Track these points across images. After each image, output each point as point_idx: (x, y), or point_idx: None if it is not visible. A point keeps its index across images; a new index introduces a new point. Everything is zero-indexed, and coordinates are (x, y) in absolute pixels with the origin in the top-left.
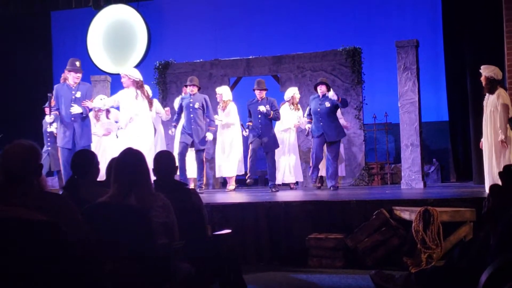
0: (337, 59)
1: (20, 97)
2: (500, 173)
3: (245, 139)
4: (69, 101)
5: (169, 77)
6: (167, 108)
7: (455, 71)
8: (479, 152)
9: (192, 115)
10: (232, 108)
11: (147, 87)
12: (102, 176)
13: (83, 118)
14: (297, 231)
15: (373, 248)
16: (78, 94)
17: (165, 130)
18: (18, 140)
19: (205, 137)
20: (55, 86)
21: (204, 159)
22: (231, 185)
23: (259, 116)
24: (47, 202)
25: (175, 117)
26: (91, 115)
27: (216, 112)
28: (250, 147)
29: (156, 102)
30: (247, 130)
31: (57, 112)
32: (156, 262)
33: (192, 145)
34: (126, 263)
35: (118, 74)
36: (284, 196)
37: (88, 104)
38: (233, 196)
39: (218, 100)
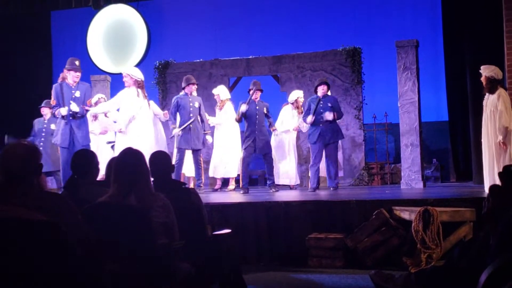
0: (337, 59)
1: (20, 97)
2: (499, 174)
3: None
4: (68, 100)
5: (169, 77)
6: (165, 112)
7: (455, 71)
8: (479, 152)
9: (191, 115)
10: (229, 107)
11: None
12: (100, 175)
13: (80, 117)
14: (297, 231)
15: (373, 248)
16: (78, 94)
17: (165, 130)
18: (18, 140)
19: (204, 138)
20: (54, 86)
21: (201, 159)
22: (231, 185)
23: (257, 117)
24: (47, 202)
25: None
26: (88, 113)
27: (213, 112)
28: (244, 154)
29: (152, 103)
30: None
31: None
32: (156, 262)
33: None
34: (126, 263)
35: (118, 74)
36: (284, 196)
37: (93, 111)
38: (233, 196)
39: (217, 100)
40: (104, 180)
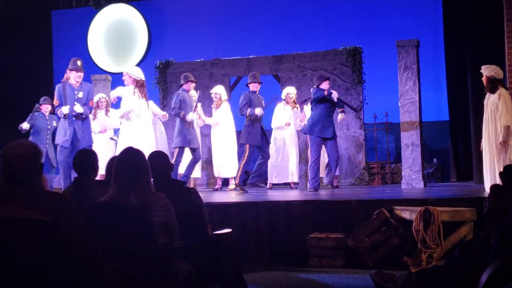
0: (338, 58)
1: (20, 97)
2: (500, 173)
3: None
4: (71, 100)
5: (169, 76)
6: (165, 113)
7: (456, 70)
8: (480, 152)
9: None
10: (226, 107)
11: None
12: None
13: (83, 118)
14: (297, 230)
15: (373, 247)
16: (80, 94)
17: (166, 130)
18: (19, 139)
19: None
20: (57, 86)
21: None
22: (232, 184)
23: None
24: (48, 201)
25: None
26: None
27: (210, 112)
28: (252, 150)
29: (152, 103)
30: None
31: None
32: (156, 262)
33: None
34: (126, 263)
35: (119, 74)
36: (285, 195)
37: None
38: (234, 195)
39: (214, 99)
40: (104, 180)
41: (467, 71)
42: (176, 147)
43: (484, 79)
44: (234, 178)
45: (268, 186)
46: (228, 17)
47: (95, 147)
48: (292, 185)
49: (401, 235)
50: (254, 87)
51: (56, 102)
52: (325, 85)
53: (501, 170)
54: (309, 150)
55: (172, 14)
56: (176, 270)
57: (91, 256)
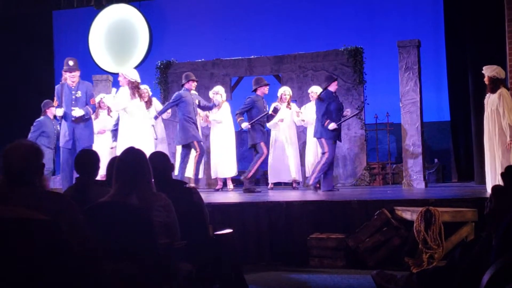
0: (339, 59)
1: (21, 97)
2: (502, 174)
3: (238, 139)
4: (70, 101)
5: (170, 76)
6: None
7: (457, 71)
8: (481, 152)
9: (195, 111)
10: (227, 107)
11: (146, 87)
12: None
13: (86, 119)
14: (298, 231)
15: (374, 248)
16: (79, 94)
17: (166, 129)
18: (20, 139)
19: None
20: (56, 87)
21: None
22: (230, 184)
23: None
24: (49, 201)
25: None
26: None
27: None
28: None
29: (155, 100)
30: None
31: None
32: (157, 262)
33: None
34: (126, 263)
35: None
36: (285, 196)
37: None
38: (234, 196)
39: (214, 99)
40: (105, 180)
41: (468, 72)
42: (192, 141)
43: (486, 79)
44: (244, 178)
45: (269, 186)
46: (229, 17)
47: (95, 147)
48: (294, 185)
49: (402, 235)
50: (261, 91)
51: (55, 103)
52: (333, 86)
53: (503, 170)
54: (316, 152)
55: (173, 14)
56: (177, 270)
57: (91, 256)
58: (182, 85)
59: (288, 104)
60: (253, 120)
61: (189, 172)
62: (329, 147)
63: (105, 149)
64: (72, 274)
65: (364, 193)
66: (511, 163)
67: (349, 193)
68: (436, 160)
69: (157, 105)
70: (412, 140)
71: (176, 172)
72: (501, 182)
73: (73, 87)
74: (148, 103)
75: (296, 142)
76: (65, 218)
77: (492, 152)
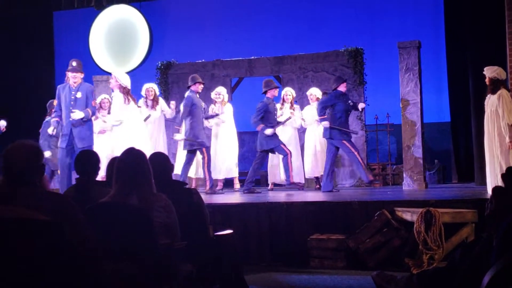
0: (339, 59)
1: (22, 97)
2: (503, 175)
3: (251, 141)
4: (69, 101)
5: (171, 77)
6: (173, 102)
7: (457, 72)
8: (481, 153)
9: (203, 114)
10: (229, 108)
11: (154, 86)
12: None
13: (84, 121)
14: (298, 231)
15: (374, 249)
16: (79, 95)
17: (166, 130)
18: (21, 140)
19: None
20: (58, 86)
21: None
22: (236, 184)
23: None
24: (49, 202)
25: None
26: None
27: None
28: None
29: (161, 100)
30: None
31: (57, 119)
32: (157, 262)
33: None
34: (127, 263)
35: None
36: (286, 196)
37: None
38: (235, 196)
39: (217, 100)
40: (105, 180)
41: (469, 73)
42: (200, 148)
43: (486, 80)
44: (289, 184)
45: (269, 187)
46: (230, 18)
47: (95, 148)
48: (300, 186)
49: (403, 236)
50: (271, 94)
51: (55, 102)
52: (343, 87)
53: (503, 171)
54: (314, 153)
55: (174, 15)
56: (177, 270)
57: (92, 256)
58: (188, 87)
59: (292, 105)
60: (281, 123)
61: (191, 173)
62: (350, 144)
63: (106, 149)
64: (73, 274)
65: (365, 194)
66: (511, 164)
67: (349, 194)
68: (436, 161)
69: (163, 105)
70: (412, 141)
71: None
72: (501, 183)
73: (73, 88)
74: (155, 102)
75: (298, 143)
76: (66, 218)
77: (492, 153)
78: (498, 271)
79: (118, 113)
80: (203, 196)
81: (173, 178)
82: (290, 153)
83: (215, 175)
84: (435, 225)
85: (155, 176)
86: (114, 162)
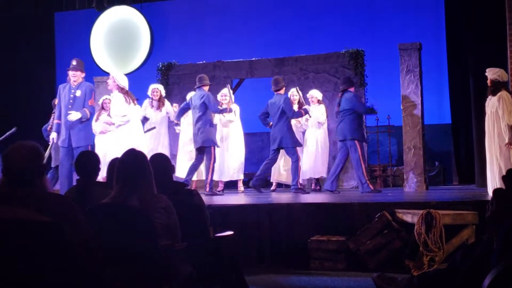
0: (340, 61)
1: (23, 98)
2: (503, 177)
3: (252, 141)
4: (68, 100)
5: (171, 78)
6: (175, 104)
7: (458, 74)
8: (482, 155)
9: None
10: (236, 109)
11: (160, 87)
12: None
13: (82, 122)
14: (299, 233)
15: (375, 250)
16: (78, 93)
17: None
18: (21, 141)
19: None
20: (59, 86)
21: None
22: (241, 186)
23: None
24: (50, 203)
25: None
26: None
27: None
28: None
29: (167, 102)
30: None
31: (58, 121)
32: (158, 263)
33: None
34: (127, 264)
35: None
36: (286, 198)
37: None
38: (235, 197)
39: (223, 102)
40: (105, 182)
41: (469, 74)
42: (210, 146)
43: (488, 81)
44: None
45: (272, 187)
46: (231, 20)
47: (97, 148)
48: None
49: (403, 238)
50: (283, 91)
51: (56, 101)
52: (352, 89)
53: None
54: (316, 153)
55: (175, 16)
56: (177, 271)
57: (92, 257)
58: (198, 87)
59: (302, 104)
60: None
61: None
62: (361, 149)
63: (107, 150)
64: (73, 275)
65: (365, 196)
66: (511, 165)
67: (350, 196)
68: (437, 163)
69: (168, 107)
70: (413, 142)
71: (183, 174)
72: (501, 185)
73: (73, 87)
74: (161, 103)
75: (303, 143)
76: (66, 219)
77: (492, 155)
78: (498, 273)
79: (123, 112)
80: (203, 197)
81: (174, 179)
82: (299, 158)
83: (219, 177)
84: (436, 227)
85: (155, 177)
86: (114, 163)
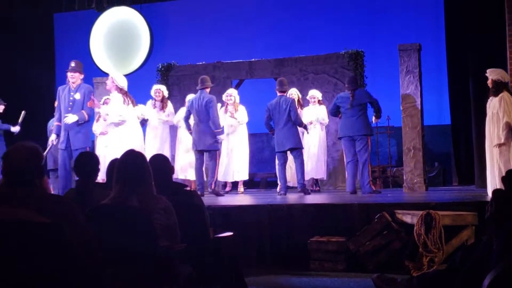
0: (340, 62)
1: (22, 99)
2: (503, 178)
3: (252, 142)
4: (67, 103)
5: (171, 79)
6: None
7: (458, 74)
8: (481, 155)
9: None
10: (243, 110)
11: (162, 88)
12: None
13: (80, 124)
14: (298, 234)
15: (375, 251)
16: (77, 96)
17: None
18: (21, 141)
19: None
20: (58, 88)
21: None
22: (241, 187)
23: None
24: (50, 204)
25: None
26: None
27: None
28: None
29: (169, 103)
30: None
31: (58, 123)
32: (157, 264)
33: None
34: (127, 265)
35: None
36: (286, 198)
37: (95, 105)
38: (235, 198)
39: (228, 102)
40: (105, 182)
41: (469, 75)
42: (215, 149)
43: (489, 82)
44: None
45: (279, 188)
46: (230, 20)
47: (98, 149)
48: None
49: (403, 239)
50: (287, 94)
51: (56, 103)
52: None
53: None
54: (317, 154)
55: (174, 17)
56: (177, 272)
57: (92, 258)
58: (201, 89)
59: (301, 105)
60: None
61: (191, 176)
62: (368, 144)
63: (107, 151)
64: (73, 276)
65: (365, 197)
66: (511, 167)
67: (349, 197)
68: (436, 164)
69: (170, 107)
70: (413, 143)
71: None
72: (501, 186)
73: (72, 89)
74: (164, 104)
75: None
76: (66, 220)
77: (492, 156)
78: (498, 274)
79: (120, 112)
80: (208, 197)
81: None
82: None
83: (224, 177)
84: (435, 227)
85: (155, 178)
86: (114, 164)
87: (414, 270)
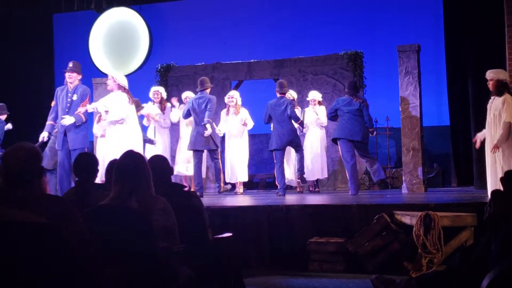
0: (339, 63)
1: (21, 100)
2: (501, 179)
3: (251, 143)
4: (65, 104)
5: (170, 80)
6: (175, 97)
7: (457, 75)
8: (481, 157)
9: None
10: (245, 111)
11: (161, 89)
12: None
13: (77, 126)
14: (297, 235)
15: (373, 252)
16: (75, 97)
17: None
18: (20, 142)
19: None
20: (57, 88)
21: None
22: (240, 188)
23: None
24: (48, 204)
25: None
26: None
27: (219, 117)
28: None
29: (168, 105)
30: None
31: (52, 122)
32: (156, 265)
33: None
34: (126, 266)
35: None
36: (285, 199)
37: (83, 109)
38: (234, 199)
39: (230, 104)
40: (104, 183)
41: (468, 76)
42: (216, 149)
43: (492, 82)
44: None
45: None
46: (229, 21)
47: (98, 150)
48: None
49: (402, 240)
50: (287, 96)
51: (52, 103)
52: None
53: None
54: (318, 155)
55: (174, 18)
56: (177, 273)
57: (91, 259)
58: (201, 90)
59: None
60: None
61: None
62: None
63: (107, 151)
64: (72, 278)
65: (364, 198)
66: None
67: (348, 198)
68: (435, 165)
69: (168, 111)
70: (412, 144)
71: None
72: (501, 187)
73: (70, 90)
74: (163, 106)
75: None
76: (65, 221)
77: (494, 157)
78: (497, 275)
79: (122, 111)
80: (207, 198)
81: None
82: None
83: (228, 178)
84: (434, 228)
85: (154, 179)
86: (113, 165)
87: (413, 271)
